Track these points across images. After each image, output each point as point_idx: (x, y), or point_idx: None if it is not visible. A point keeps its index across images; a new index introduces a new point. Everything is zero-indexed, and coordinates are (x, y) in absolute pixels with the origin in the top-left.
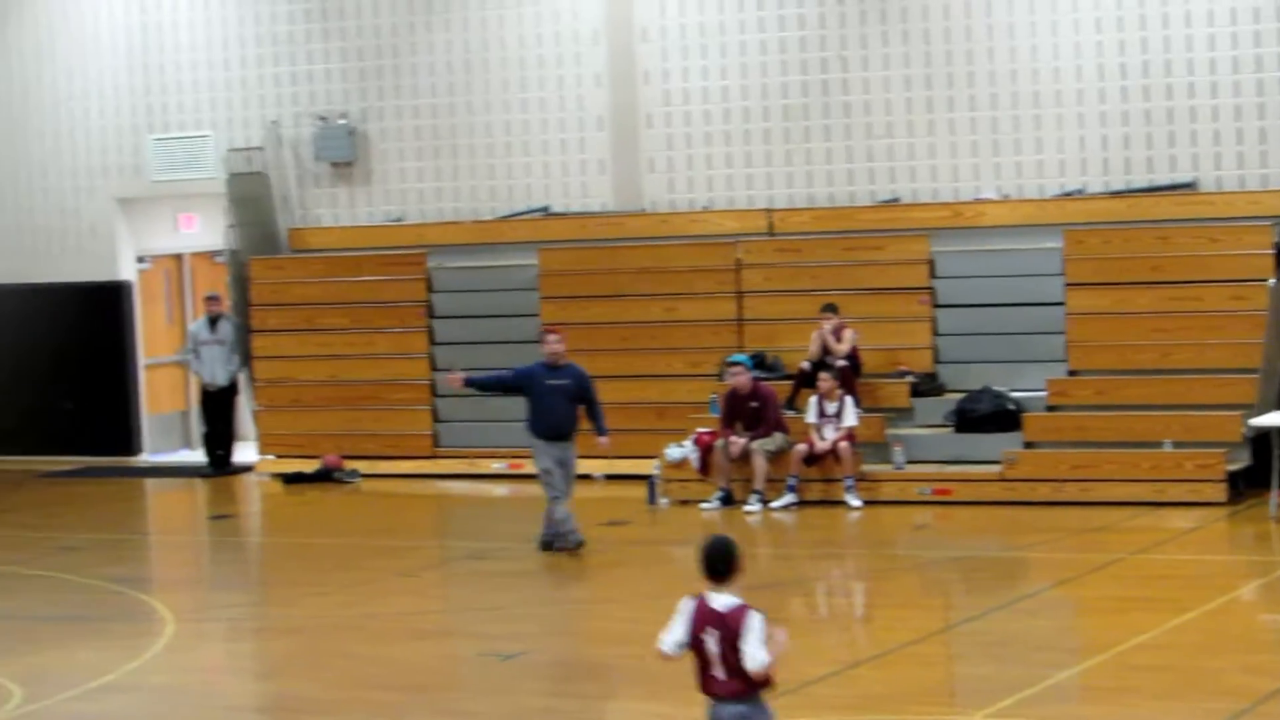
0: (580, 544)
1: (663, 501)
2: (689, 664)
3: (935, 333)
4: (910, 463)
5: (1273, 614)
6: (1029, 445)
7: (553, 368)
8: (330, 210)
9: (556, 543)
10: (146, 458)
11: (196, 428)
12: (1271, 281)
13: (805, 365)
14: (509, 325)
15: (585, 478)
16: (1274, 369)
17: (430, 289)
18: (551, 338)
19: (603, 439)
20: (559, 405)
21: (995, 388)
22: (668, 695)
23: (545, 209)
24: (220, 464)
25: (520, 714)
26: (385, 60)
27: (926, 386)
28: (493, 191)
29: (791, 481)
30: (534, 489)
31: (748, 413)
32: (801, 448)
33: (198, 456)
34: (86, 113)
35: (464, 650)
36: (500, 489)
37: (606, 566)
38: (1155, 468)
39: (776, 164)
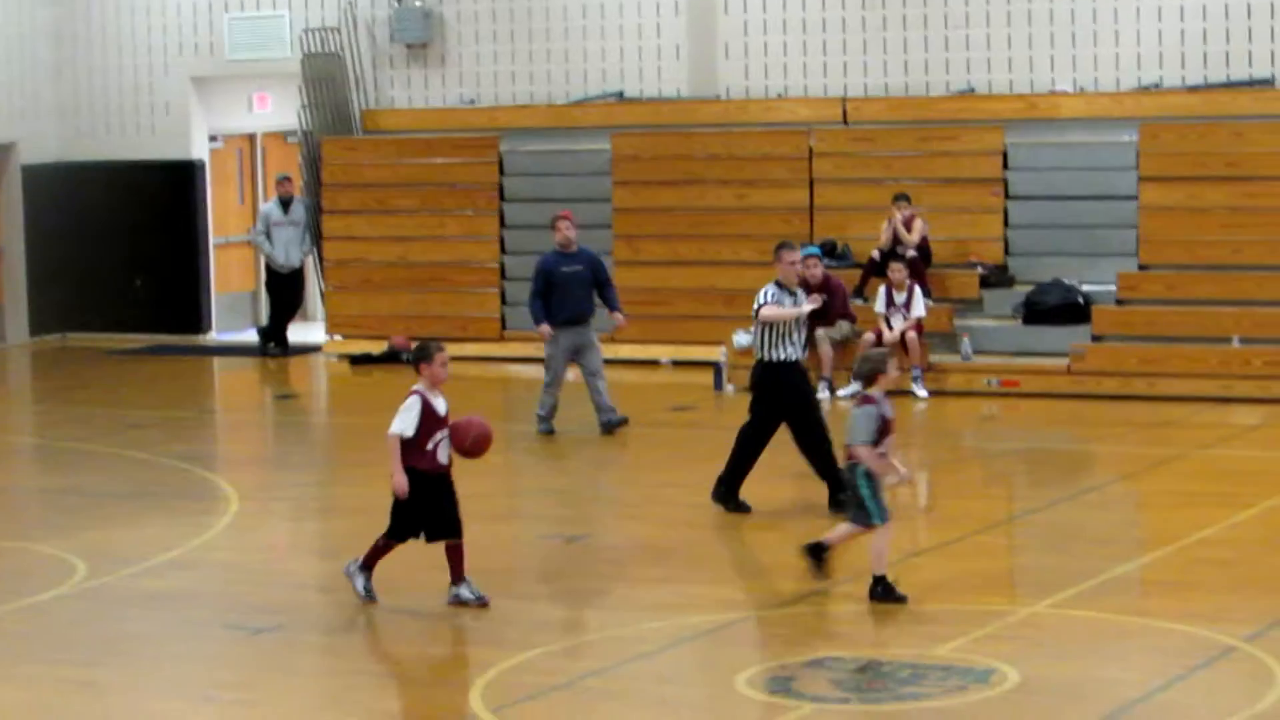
0: (550, 432)
1: (729, 388)
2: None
3: (1006, 224)
4: (978, 354)
5: None
6: (1097, 339)
7: (565, 254)
8: (404, 92)
9: (611, 420)
10: (215, 336)
11: (265, 308)
12: None
13: (875, 254)
14: (581, 210)
15: (653, 363)
16: None
17: (502, 172)
18: (564, 224)
19: (619, 317)
20: (574, 291)
21: (1065, 280)
22: (729, 579)
23: (619, 94)
24: (281, 344)
25: (583, 596)
26: None
27: (996, 278)
28: (567, 75)
29: None
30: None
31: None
32: (870, 336)
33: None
34: None
35: (527, 533)
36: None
37: (671, 452)
38: (1223, 363)
39: (852, 52)
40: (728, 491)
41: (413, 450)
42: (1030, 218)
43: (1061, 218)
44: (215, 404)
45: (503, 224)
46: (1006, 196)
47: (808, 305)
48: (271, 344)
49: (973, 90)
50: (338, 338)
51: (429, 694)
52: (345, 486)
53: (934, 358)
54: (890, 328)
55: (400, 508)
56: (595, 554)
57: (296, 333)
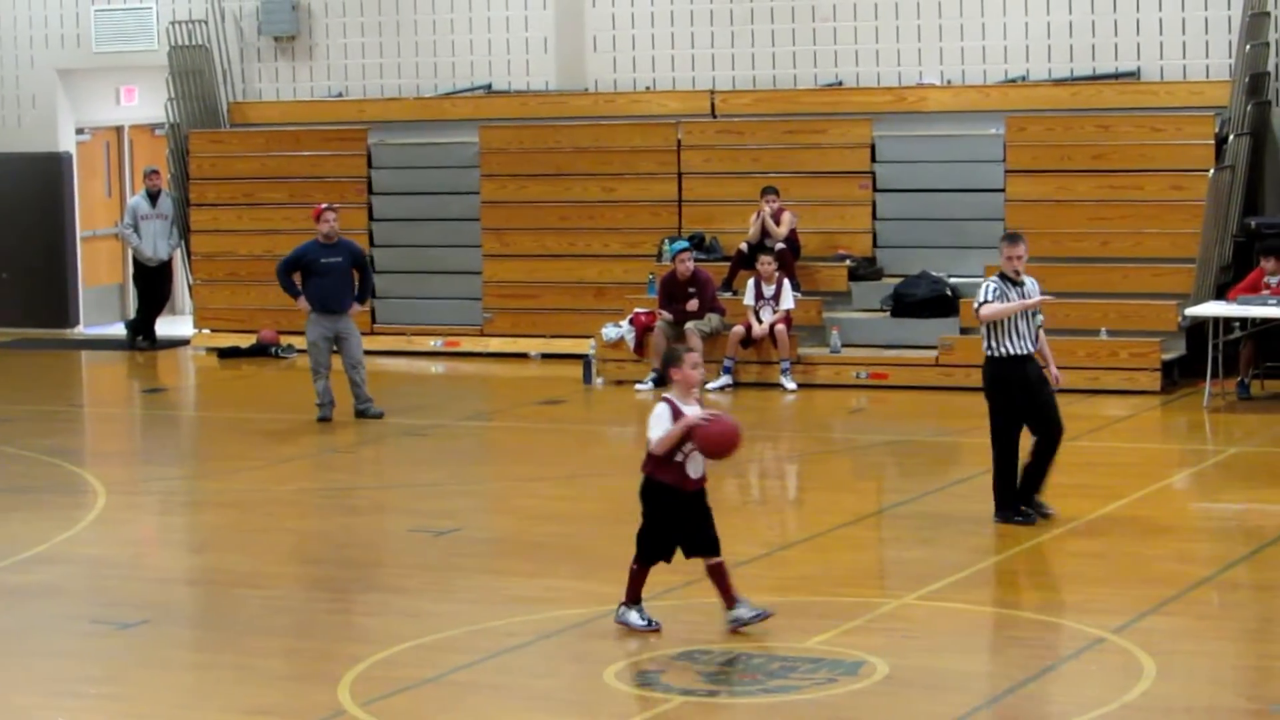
0: (378, 415)
1: (598, 381)
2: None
3: (875, 217)
4: (846, 346)
5: (1204, 502)
6: (965, 331)
7: (327, 245)
8: (271, 85)
9: (368, 410)
10: (82, 330)
11: (132, 301)
12: (1211, 172)
13: (744, 247)
14: (448, 202)
15: (522, 357)
16: (1211, 259)
17: (370, 165)
18: (330, 215)
19: (358, 306)
20: (333, 282)
21: (933, 273)
22: (598, 573)
23: (487, 87)
24: (149, 337)
25: (452, 590)
26: None
27: (865, 270)
28: (435, 68)
29: (727, 363)
30: (470, 366)
31: (686, 296)
32: (738, 330)
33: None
34: None
35: (397, 526)
36: (436, 366)
37: (540, 446)
38: (1091, 356)
39: (720, 45)
40: (1003, 505)
41: (661, 462)
42: (898, 210)
43: (929, 210)
44: (83, 398)
45: (371, 217)
46: (875, 189)
47: (1037, 298)
48: (139, 337)
49: (841, 83)
50: (206, 331)
51: (299, 688)
52: (213, 480)
53: (803, 350)
54: (759, 321)
55: (650, 529)
56: (465, 548)
57: (164, 326)
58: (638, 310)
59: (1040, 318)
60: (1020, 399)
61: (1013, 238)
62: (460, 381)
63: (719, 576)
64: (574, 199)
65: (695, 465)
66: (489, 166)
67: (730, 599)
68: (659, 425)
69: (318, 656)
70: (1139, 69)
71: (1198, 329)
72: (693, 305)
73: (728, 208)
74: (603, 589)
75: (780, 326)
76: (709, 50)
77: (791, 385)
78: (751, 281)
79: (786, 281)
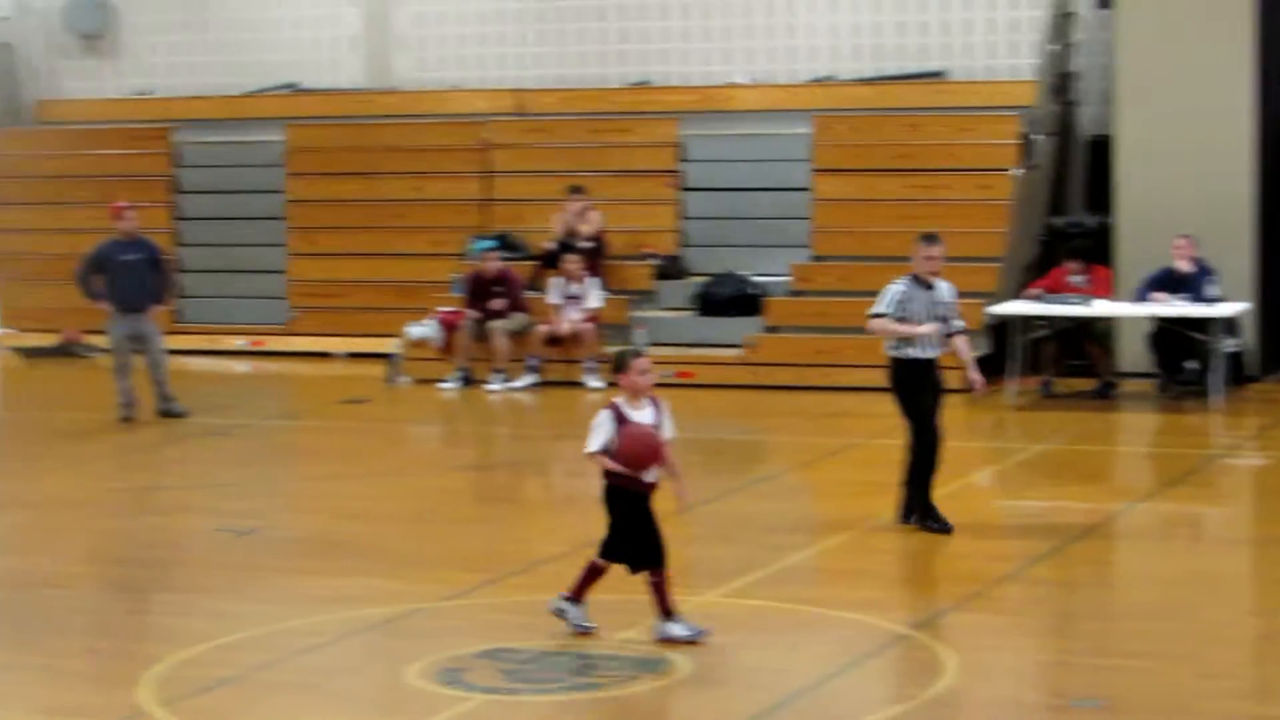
0: (182, 414)
1: (402, 380)
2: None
3: (682, 216)
4: (653, 345)
5: (1007, 500)
6: (771, 329)
7: (125, 243)
8: (77, 82)
9: (170, 410)
10: None
11: None
12: (1016, 171)
13: (550, 246)
14: (254, 201)
15: (327, 355)
16: (1016, 259)
17: (176, 164)
18: (130, 213)
19: (158, 305)
20: (133, 279)
21: (739, 272)
22: (402, 572)
23: (294, 85)
24: None
25: (254, 589)
26: None
27: (670, 270)
28: (242, 67)
29: (533, 362)
30: (275, 365)
31: (492, 295)
32: (543, 328)
33: None
34: None
35: (200, 526)
36: (241, 365)
37: (344, 445)
38: None
39: (528, 43)
40: (914, 510)
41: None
42: (705, 209)
43: (736, 209)
44: None
45: (176, 216)
46: (682, 188)
47: (926, 328)
48: None
49: (648, 82)
50: (11, 330)
51: (98, 688)
52: (14, 481)
53: (608, 349)
54: (565, 320)
55: (619, 530)
56: (268, 547)
57: None
58: (443, 309)
59: (959, 323)
60: (915, 400)
61: (929, 237)
62: (265, 381)
63: (658, 588)
64: (381, 198)
65: (650, 471)
66: (296, 165)
67: (666, 611)
68: (599, 432)
69: (119, 656)
70: (946, 69)
71: (1002, 327)
72: (499, 304)
73: (536, 206)
74: (408, 588)
75: (586, 325)
76: (517, 49)
77: (596, 383)
78: (557, 280)
79: (593, 280)
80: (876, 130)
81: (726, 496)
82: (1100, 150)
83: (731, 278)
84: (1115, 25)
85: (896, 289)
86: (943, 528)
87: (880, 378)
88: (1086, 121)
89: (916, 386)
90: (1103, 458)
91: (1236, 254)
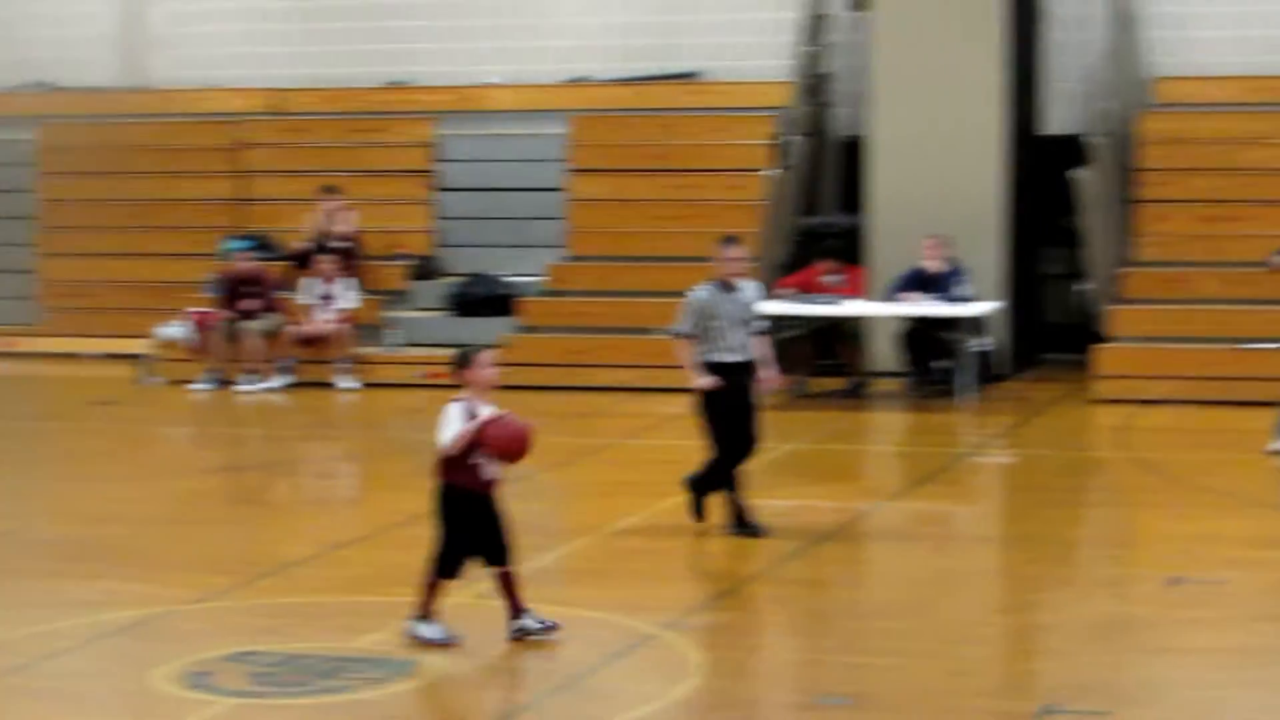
0: None
1: (154, 381)
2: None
3: (437, 216)
4: (407, 345)
5: (758, 499)
6: (526, 330)
7: None
8: None
9: None
10: None
11: None
12: (770, 172)
13: (303, 246)
14: (4, 200)
15: (77, 356)
16: (770, 259)
17: None
18: None
19: None
20: None
21: (494, 272)
22: (153, 575)
23: (47, 83)
24: None
25: (6, 593)
26: None
27: (425, 269)
28: None
29: (285, 363)
30: (26, 366)
31: (245, 295)
32: (297, 329)
33: None
34: None
35: None
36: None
37: (97, 446)
38: (646, 354)
39: (286, 43)
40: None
41: (455, 465)
42: (460, 209)
43: (491, 209)
44: None
45: None
46: (438, 188)
47: (705, 381)
48: None
49: (404, 82)
50: None
51: None
52: None
53: (362, 349)
54: (318, 320)
55: (448, 540)
56: (18, 550)
57: None
58: (195, 309)
59: (764, 323)
60: (724, 406)
61: (729, 240)
62: (15, 382)
63: (509, 584)
64: (134, 197)
65: (489, 467)
66: (49, 164)
67: (517, 609)
68: (450, 426)
69: None
70: (701, 70)
71: None
72: (252, 304)
73: (291, 207)
74: (158, 591)
75: (339, 326)
76: (274, 48)
77: (349, 384)
78: (311, 281)
79: (347, 281)
80: (631, 131)
81: None
82: (853, 151)
83: (486, 278)
84: (869, 28)
85: (697, 297)
86: (756, 531)
87: (634, 377)
88: (840, 122)
89: (724, 391)
90: (853, 457)
91: (986, 254)
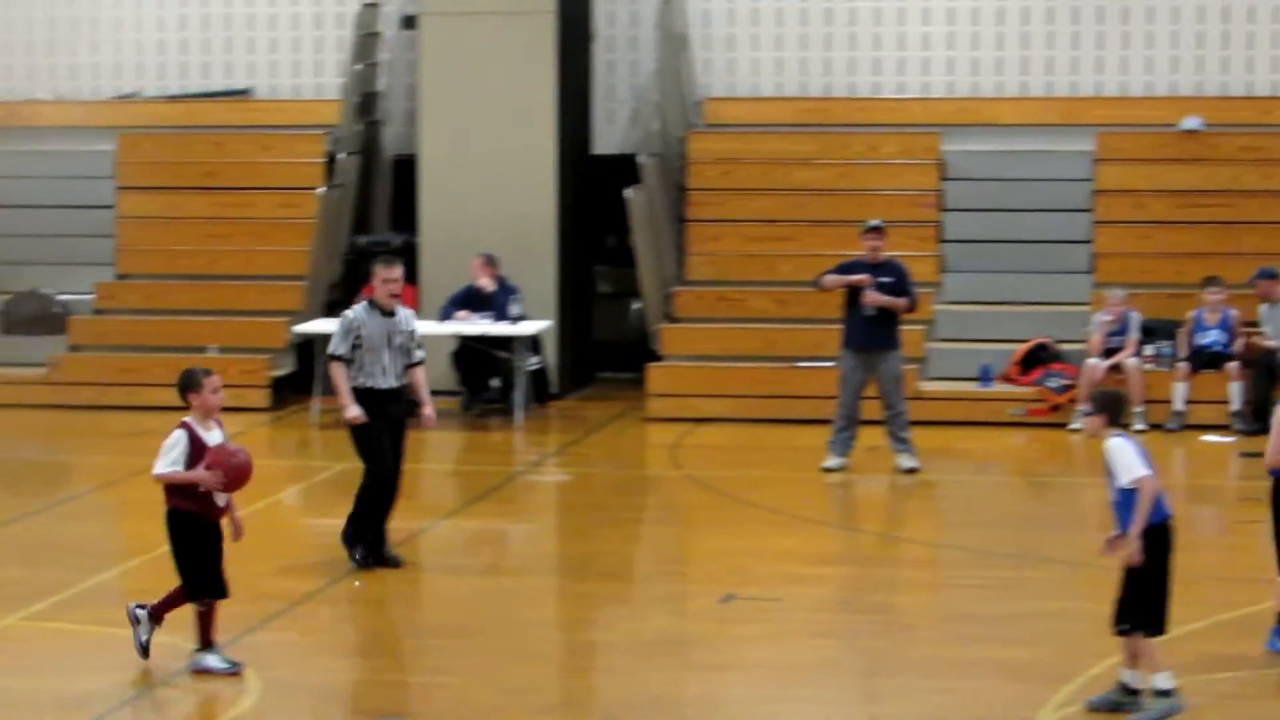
0: None
1: None
2: None
3: None
4: None
5: (313, 518)
6: (75, 348)
7: None
8: None
9: None
10: None
11: None
12: (321, 190)
13: None
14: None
15: None
16: (321, 277)
17: None
18: None
19: None
20: None
21: (43, 290)
22: None
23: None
24: None
25: None
26: None
27: None
28: None
29: None
30: None
31: None
32: None
33: None
34: None
35: None
36: None
37: None
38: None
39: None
40: (358, 539)
41: (180, 490)
42: (9, 227)
43: (40, 226)
44: None
45: None
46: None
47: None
48: None
49: None
50: None
51: None
52: None
53: None
54: None
55: (190, 563)
56: None
57: None
58: None
59: (420, 353)
60: (374, 431)
61: (389, 261)
62: None
63: (206, 620)
64: None
65: (220, 495)
66: None
67: (208, 642)
68: (171, 452)
69: None
70: (252, 87)
71: (307, 345)
72: None
73: None
74: None
75: None
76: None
77: None
78: None
79: None
80: (182, 148)
81: (28, 518)
82: (405, 169)
83: (34, 295)
84: (418, 46)
85: (351, 317)
86: (394, 562)
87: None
88: (392, 140)
89: (372, 417)
90: (407, 476)
91: (539, 273)
